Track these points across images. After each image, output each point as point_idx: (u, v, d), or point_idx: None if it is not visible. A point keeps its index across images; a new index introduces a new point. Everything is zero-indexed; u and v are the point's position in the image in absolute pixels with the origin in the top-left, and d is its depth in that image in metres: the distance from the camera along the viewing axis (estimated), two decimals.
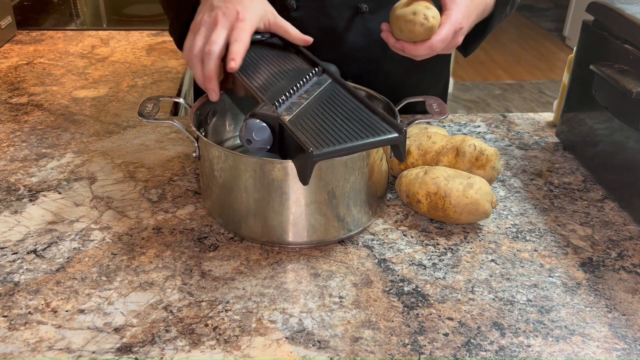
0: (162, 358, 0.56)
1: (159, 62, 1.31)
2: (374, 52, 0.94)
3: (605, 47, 0.82)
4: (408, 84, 1.00)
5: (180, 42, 0.97)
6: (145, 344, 0.58)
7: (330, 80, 0.72)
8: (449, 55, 1.08)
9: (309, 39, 0.78)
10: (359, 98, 0.68)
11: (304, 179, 0.61)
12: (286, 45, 0.80)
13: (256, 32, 0.76)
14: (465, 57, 1.01)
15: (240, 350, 0.57)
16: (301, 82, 0.71)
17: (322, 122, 0.64)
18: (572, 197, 0.83)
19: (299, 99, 0.69)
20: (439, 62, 1.06)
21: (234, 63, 0.68)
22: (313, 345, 0.58)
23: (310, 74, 0.72)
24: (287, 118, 0.65)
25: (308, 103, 0.68)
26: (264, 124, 0.64)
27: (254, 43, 0.76)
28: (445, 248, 0.72)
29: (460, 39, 0.78)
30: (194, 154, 0.72)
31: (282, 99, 0.67)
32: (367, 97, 0.81)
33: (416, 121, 0.74)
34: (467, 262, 0.70)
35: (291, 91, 0.69)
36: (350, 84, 0.72)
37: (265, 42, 0.80)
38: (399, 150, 0.64)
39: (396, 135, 0.63)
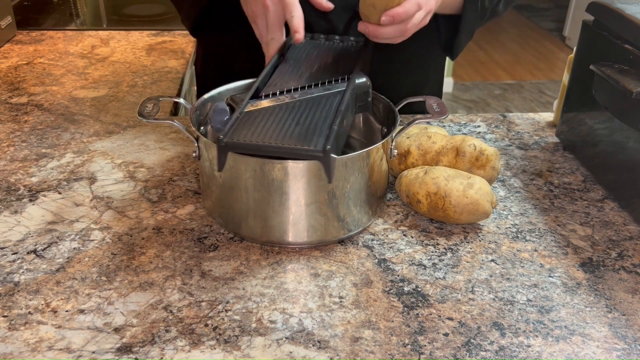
0: (162, 358, 0.56)
1: (159, 62, 1.31)
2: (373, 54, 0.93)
3: (605, 47, 0.82)
4: (405, 84, 1.00)
5: (193, 28, 0.98)
6: (145, 344, 0.58)
7: (341, 89, 0.72)
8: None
9: (328, 6, 0.84)
10: (338, 110, 0.66)
11: (218, 165, 0.61)
12: (349, 52, 0.81)
13: (319, 35, 0.83)
14: (452, 59, 1.00)
15: (240, 350, 0.57)
16: (311, 85, 0.71)
17: (273, 120, 0.64)
18: (572, 197, 0.83)
19: (288, 97, 0.69)
20: (437, 59, 1.06)
21: (299, 35, 0.75)
22: (313, 345, 0.58)
23: (329, 80, 0.72)
24: (250, 108, 0.66)
25: (288, 102, 0.68)
26: (226, 108, 0.67)
27: (318, 43, 0.82)
28: (445, 248, 0.72)
29: (432, 2, 0.77)
30: (194, 154, 0.72)
31: (273, 93, 0.69)
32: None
33: (416, 121, 0.74)
34: (467, 262, 0.70)
35: (291, 89, 0.70)
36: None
37: (330, 43, 0.83)
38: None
39: (317, 153, 0.60)
